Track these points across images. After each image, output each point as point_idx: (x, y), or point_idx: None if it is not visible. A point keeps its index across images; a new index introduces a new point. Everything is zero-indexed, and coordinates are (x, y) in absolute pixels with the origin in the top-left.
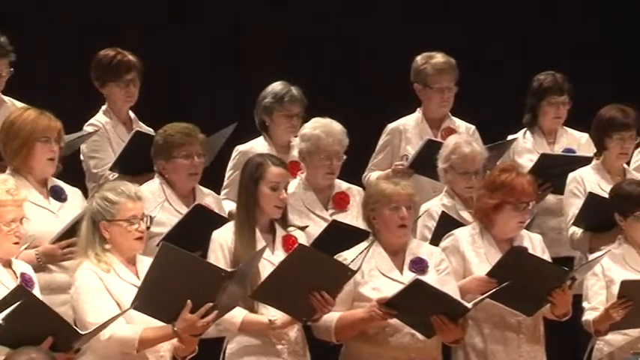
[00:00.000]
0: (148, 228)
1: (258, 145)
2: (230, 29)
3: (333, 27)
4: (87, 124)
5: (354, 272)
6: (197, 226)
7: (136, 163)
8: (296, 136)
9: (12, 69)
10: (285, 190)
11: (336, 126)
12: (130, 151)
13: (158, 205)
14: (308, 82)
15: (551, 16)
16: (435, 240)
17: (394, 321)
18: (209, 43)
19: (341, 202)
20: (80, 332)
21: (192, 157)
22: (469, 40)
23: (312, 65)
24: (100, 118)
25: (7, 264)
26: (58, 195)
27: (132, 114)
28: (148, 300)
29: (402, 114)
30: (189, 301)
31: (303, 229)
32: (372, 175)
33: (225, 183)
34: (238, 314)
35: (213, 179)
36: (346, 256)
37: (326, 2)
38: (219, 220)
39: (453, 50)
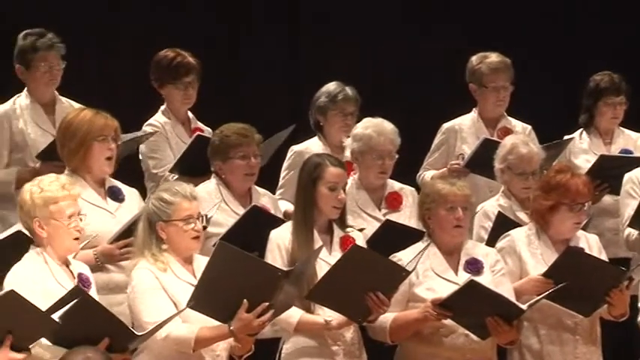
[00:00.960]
0: (205, 227)
1: (314, 145)
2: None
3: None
4: (146, 124)
5: (408, 273)
6: (254, 227)
7: (196, 165)
8: (348, 136)
9: (64, 62)
10: (344, 190)
11: (387, 125)
12: (190, 153)
13: (215, 205)
14: (364, 82)
15: (605, 15)
16: (491, 241)
17: (449, 322)
18: (267, 42)
19: (394, 202)
20: (136, 333)
21: (249, 158)
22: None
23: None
24: (158, 118)
25: (65, 264)
26: (116, 195)
27: (190, 114)
28: (204, 299)
29: (456, 114)
30: (245, 300)
31: (360, 230)
32: (426, 174)
33: (280, 183)
34: (295, 314)
35: (268, 179)
36: (400, 257)
37: (385, 5)
38: (275, 222)
39: (508, 51)
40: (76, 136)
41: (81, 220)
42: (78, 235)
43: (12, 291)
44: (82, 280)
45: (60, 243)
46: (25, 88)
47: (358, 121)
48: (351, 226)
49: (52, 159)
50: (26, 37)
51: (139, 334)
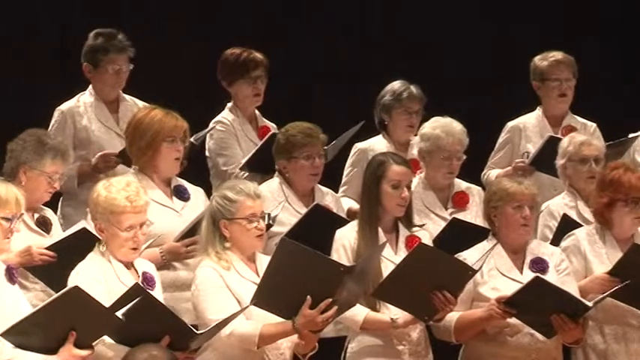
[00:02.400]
0: (270, 226)
1: (377, 143)
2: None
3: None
4: (213, 121)
5: (475, 271)
6: (316, 226)
7: (265, 163)
8: (415, 135)
9: (132, 65)
10: (408, 188)
11: (456, 125)
12: (262, 151)
13: (279, 204)
14: (429, 81)
15: None
16: (556, 240)
17: (514, 321)
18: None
19: (460, 201)
20: (195, 331)
21: (314, 158)
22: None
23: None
24: (226, 116)
25: (129, 263)
26: (182, 194)
27: (257, 112)
28: (267, 296)
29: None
30: (308, 296)
31: (421, 226)
32: (491, 172)
33: (343, 180)
34: (360, 312)
35: (331, 177)
36: (465, 257)
37: (459, 6)
38: (337, 221)
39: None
40: (146, 136)
41: (141, 228)
42: (134, 246)
43: (76, 287)
44: (147, 279)
45: (116, 249)
46: (90, 86)
47: (423, 120)
48: (417, 226)
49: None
50: (97, 37)
51: (199, 332)
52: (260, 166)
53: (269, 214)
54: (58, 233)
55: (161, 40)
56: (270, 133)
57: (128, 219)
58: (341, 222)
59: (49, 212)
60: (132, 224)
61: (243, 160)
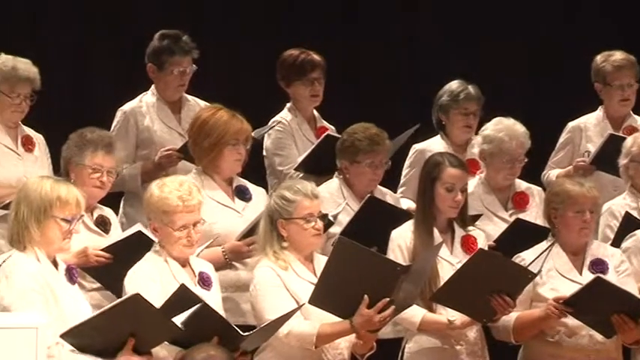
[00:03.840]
0: (331, 224)
1: (435, 144)
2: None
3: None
4: (272, 120)
5: (534, 275)
6: (372, 220)
7: (321, 164)
8: (476, 134)
9: (195, 66)
10: (463, 191)
11: (519, 128)
12: (317, 152)
13: (340, 206)
14: (487, 81)
15: None
16: (617, 240)
17: (572, 322)
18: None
19: (520, 202)
20: (242, 333)
21: (377, 167)
22: None
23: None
24: (285, 115)
25: (186, 263)
26: (243, 194)
27: (316, 113)
28: (325, 295)
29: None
30: (366, 295)
31: (477, 218)
32: (551, 173)
33: (402, 181)
34: (418, 313)
35: (390, 177)
36: (524, 257)
37: (519, 5)
38: (393, 211)
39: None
40: (210, 137)
41: (194, 227)
42: (188, 245)
43: (137, 295)
44: (203, 279)
45: (170, 248)
46: (153, 86)
47: (481, 120)
48: (473, 216)
49: (188, 156)
50: (163, 38)
51: (244, 334)
52: (315, 167)
53: (327, 214)
54: (117, 233)
55: (221, 40)
56: (324, 134)
57: (181, 218)
58: (396, 212)
59: (108, 212)
60: (185, 224)
61: (298, 160)
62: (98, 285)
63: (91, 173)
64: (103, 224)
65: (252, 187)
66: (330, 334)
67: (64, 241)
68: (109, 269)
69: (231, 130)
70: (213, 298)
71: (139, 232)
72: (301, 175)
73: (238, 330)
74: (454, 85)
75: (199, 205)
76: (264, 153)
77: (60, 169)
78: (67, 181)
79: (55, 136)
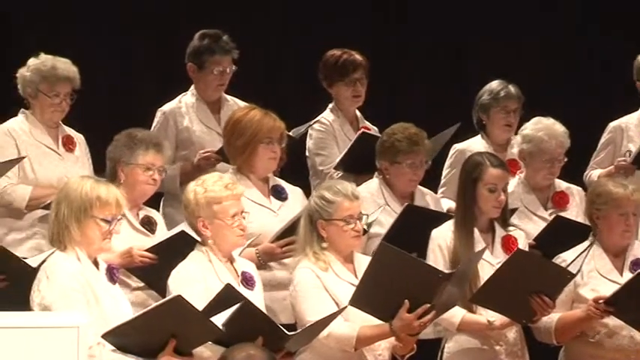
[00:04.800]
0: (368, 229)
1: (476, 144)
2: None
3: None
4: (313, 121)
5: (573, 275)
6: (412, 226)
7: (360, 163)
8: (516, 134)
9: (235, 66)
10: (504, 190)
11: (558, 127)
12: (354, 151)
13: (379, 208)
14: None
15: None
16: None
17: (614, 322)
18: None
19: (560, 201)
20: (287, 333)
21: (417, 167)
22: None
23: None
24: (327, 116)
25: (230, 262)
26: (279, 194)
27: (358, 113)
28: (365, 297)
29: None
30: (406, 300)
31: (513, 212)
32: (593, 173)
33: (442, 181)
34: (457, 313)
35: (431, 178)
36: (565, 257)
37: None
38: (432, 216)
39: None
40: (243, 136)
41: (244, 218)
42: (242, 233)
43: (179, 296)
44: (246, 279)
45: (224, 241)
46: (192, 87)
47: (522, 119)
48: (512, 209)
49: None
50: (203, 37)
51: (290, 333)
52: (354, 166)
53: (367, 216)
54: (162, 233)
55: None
56: (358, 133)
57: (232, 206)
58: (438, 217)
59: (153, 212)
60: (235, 211)
61: (337, 160)
62: (143, 283)
63: (143, 172)
64: (149, 224)
65: (289, 187)
66: (370, 337)
67: (104, 242)
68: (153, 269)
69: (264, 128)
70: (257, 298)
71: (183, 232)
72: (340, 174)
73: (284, 330)
74: (494, 84)
75: (242, 194)
76: (307, 154)
77: (100, 169)
78: (107, 182)
79: (96, 137)
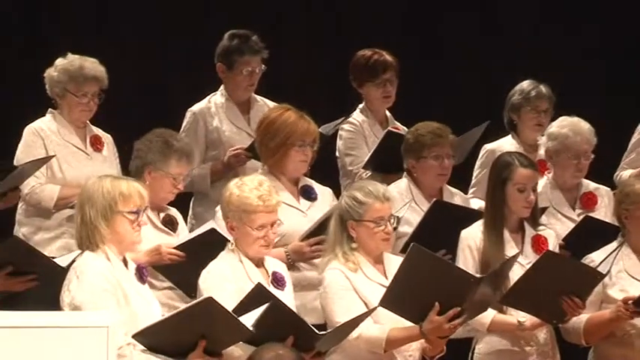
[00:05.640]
0: (395, 228)
1: (506, 144)
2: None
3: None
4: (342, 119)
5: (603, 276)
6: (441, 223)
7: (388, 162)
8: (542, 135)
9: (264, 66)
10: (534, 191)
11: (584, 124)
12: (382, 150)
13: (405, 204)
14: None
15: None
16: None
17: None
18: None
19: (589, 202)
20: (318, 333)
21: (442, 159)
22: None
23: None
24: (356, 117)
25: (260, 263)
26: (308, 194)
27: (388, 113)
28: (395, 299)
29: None
30: (437, 303)
31: (543, 211)
32: (623, 173)
33: (472, 182)
34: (488, 314)
35: (461, 178)
36: (593, 258)
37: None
38: (461, 213)
39: None
40: (277, 137)
41: (272, 227)
42: (265, 244)
43: (210, 298)
44: (276, 279)
45: (247, 247)
46: (222, 87)
47: (553, 120)
48: (542, 208)
49: (256, 155)
50: (232, 38)
51: (320, 333)
52: (382, 166)
53: (398, 217)
54: (184, 232)
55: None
56: (385, 131)
57: (260, 218)
58: (465, 213)
59: (174, 211)
60: (264, 223)
61: (365, 159)
62: (169, 284)
63: (172, 181)
64: (171, 223)
65: (319, 187)
66: (400, 339)
67: (135, 234)
68: (180, 268)
69: (298, 131)
70: (287, 298)
71: (212, 229)
72: (369, 173)
73: (314, 330)
74: (525, 83)
75: (277, 205)
76: (337, 154)
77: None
78: (126, 177)
79: (125, 137)
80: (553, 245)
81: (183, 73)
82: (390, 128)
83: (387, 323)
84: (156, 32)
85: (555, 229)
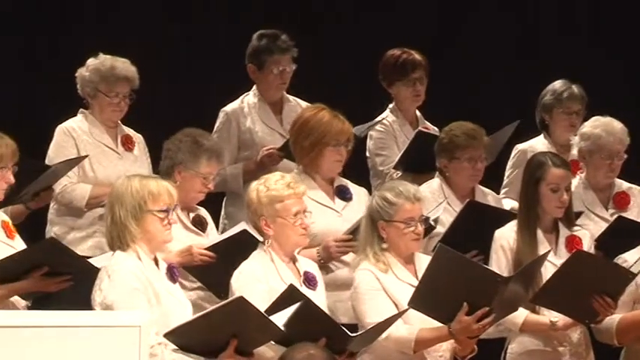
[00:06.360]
0: (433, 228)
1: (538, 144)
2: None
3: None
4: (375, 121)
5: (634, 275)
6: (474, 224)
7: (418, 162)
8: (575, 135)
9: (295, 65)
10: (567, 190)
11: (616, 124)
12: (412, 150)
13: (439, 205)
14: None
15: None
16: None
17: None
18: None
19: (622, 201)
20: (350, 334)
21: (475, 161)
22: None
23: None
24: (386, 116)
25: (292, 262)
26: (343, 194)
27: (418, 113)
28: (424, 299)
29: None
30: (465, 303)
31: (578, 215)
32: None
33: (504, 182)
34: (520, 314)
35: (493, 178)
36: (626, 258)
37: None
38: (494, 213)
39: None
40: (311, 136)
41: (306, 217)
42: (304, 232)
43: (241, 297)
44: (308, 279)
45: (287, 239)
46: (254, 87)
47: (585, 120)
48: (577, 213)
49: (289, 155)
50: (261, 38)
51: (353, 335)
52: (412, 166)
53: (427, 218)
54: (213, 233)
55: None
56: (415, 131)
57: (294, 204)
58: (498, 214)
59: (203, 211)
60: (298, 210)
61: (396, 159)
62: (199, 284)
63: (202, 181)
64: (200, 224)
65: (354, 187)
66: (429, 340)
67: (165, 232)
68: (211, 268)
69: (332, 131)
70: (319, 298)
71: (244, 230)
72: (400, 174)
73: (346, 330)
74: (557, 84)
75: (304, 193)
76: (367, 154)
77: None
78: (154, 175)
79: (156, 136)
80: (588, 246)
81: (214, 73)
82: (420, 128)
83: (416, 323)
84: (184, 31)
85: (589, 229)
